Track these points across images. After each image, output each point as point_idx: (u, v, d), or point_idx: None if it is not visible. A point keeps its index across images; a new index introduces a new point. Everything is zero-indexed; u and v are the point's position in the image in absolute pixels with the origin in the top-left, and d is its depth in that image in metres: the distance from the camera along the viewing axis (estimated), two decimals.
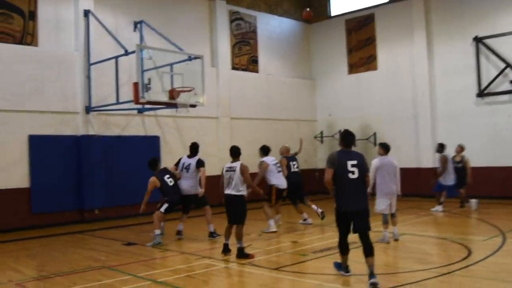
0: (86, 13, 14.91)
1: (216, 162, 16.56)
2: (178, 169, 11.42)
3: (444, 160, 14.64)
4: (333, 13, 22.09)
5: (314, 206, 12.81)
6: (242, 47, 19.74)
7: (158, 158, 11.39)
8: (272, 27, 21.10)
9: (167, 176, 11.09)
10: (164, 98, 12.73)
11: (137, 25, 16.17)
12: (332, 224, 9.44)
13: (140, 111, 15.34)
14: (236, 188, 9.08)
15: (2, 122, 13.45)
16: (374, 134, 20.30)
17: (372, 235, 7.39)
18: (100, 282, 7.69)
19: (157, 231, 10.78)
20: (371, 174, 10.10)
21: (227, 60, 19.04)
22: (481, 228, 12.23)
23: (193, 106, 13.23)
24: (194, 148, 11.59)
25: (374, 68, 20.67)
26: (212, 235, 11.25)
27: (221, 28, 18.80)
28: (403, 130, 19.62)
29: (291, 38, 21.99)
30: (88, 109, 14.84)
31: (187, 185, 11.26)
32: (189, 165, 11.33)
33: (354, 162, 7.15)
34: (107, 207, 14.97)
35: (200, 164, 11.31)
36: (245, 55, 19.85)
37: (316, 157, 22.29)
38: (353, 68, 21.35)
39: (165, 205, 10.88)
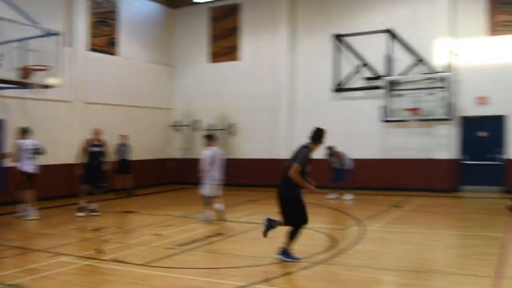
0: None
1: (67, 149, 15.72)
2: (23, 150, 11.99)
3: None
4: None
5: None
6: (101, 27, 18.46)
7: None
8: (134, 9, 20.00)
9: None
10: (15, 76, 11.37)
11: None
12: (192, 216, 9.13)
13: None
14: None
15: None
16: (233, 124, 20.26)
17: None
18: None
19: None
20: (204, 163, 11.46)
21: (84, 40, 17.64)
22: (338, 217, 12.73)
23: (47, 87, 12.02)
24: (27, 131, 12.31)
25: (237, 58, 20.62)
26: None
27: (78, 4, 17.34)
28: (262, 122, 19.86)
29: (153, 22, 21.11)
30: None
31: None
32: (37, 144, 12.32)
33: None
34: None
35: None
36: (105, 36, 18.58)
37: (172, 147, 21.75)
38: (215, 57, 21.11)
39: None
